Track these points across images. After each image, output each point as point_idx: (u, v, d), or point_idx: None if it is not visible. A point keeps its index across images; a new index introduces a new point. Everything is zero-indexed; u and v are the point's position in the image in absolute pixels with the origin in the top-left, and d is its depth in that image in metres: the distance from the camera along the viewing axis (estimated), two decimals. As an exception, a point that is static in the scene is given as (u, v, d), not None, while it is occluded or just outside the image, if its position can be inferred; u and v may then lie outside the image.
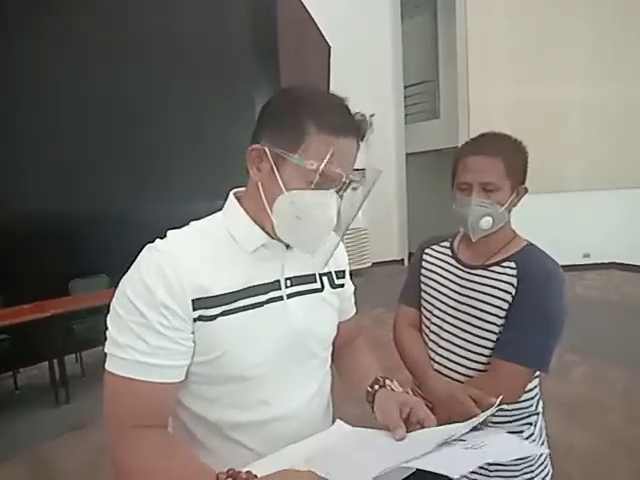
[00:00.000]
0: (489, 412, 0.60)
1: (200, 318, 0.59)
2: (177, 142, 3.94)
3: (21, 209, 3.11)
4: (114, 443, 0.56)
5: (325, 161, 0.56)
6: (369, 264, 6.90)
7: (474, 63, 6.18)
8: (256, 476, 0.47)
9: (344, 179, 0.59)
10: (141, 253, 0.61)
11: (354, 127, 0.60)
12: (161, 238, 0.63)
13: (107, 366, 0.57)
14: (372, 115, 0.62)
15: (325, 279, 0.75)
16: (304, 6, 4.97)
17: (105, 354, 0.58)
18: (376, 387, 0.71)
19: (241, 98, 4.27)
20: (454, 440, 0.55)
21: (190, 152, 4.02)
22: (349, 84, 4.86)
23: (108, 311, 0.60)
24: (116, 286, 0.61)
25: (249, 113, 3.95)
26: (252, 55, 4.47)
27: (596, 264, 6.30)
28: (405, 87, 7.61)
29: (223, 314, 0.60)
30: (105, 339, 0.58)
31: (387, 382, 0.71)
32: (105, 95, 3.39)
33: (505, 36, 6.06)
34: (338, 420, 0.70)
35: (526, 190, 0.90)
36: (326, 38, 5.57)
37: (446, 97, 7.29)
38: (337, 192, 0.60)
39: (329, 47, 5.71)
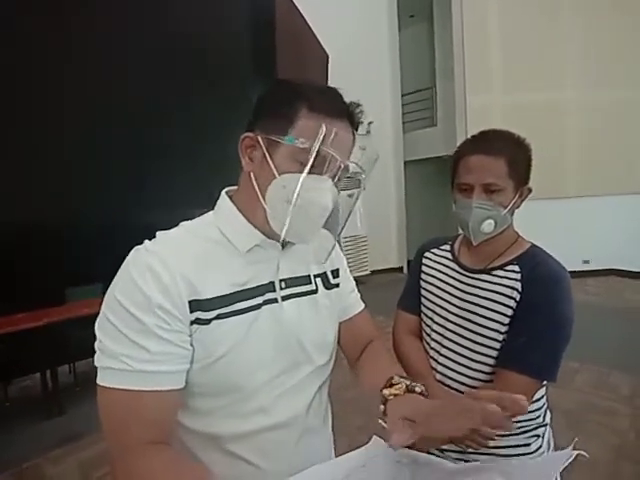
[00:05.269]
0: None
1: (197, 321, 0.56)
2: (174, 152, 3.93)
3: (15, 216, 3.05)
4: (122, 464, 0.51)
5: (318, 141, 0.54)
6: (368, 272, 6.86)
7: (471, 70, 6.22)
8: None
9: (338, 162, 0.57)
10: (129, 255, 0.57)
11: (347, 111, 0.59)
12: (150, 240, 0.60)
13: (101, 381, 0.52)
14: (370, 122, 0.61)
15: (319, 280, 0.72)
16: (302, 16, 5.01)
17: (96, 368, 0.53)
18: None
19: (238, 106, 4.27)
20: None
21: (187, 161, 4.01)
22: (347, 93, 4.81)
23: None
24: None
25: (245, 122, 3.94)
26: (250, 64, 4.48)
27: (596, 270, 6.28)
28: (402, 95, 7.66)
29: (218, 317, 0.57)
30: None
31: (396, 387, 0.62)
32: (101, 98, 3.34)
33: (501, 43, 6.12)
34: (375, 436, 0.63)
35: (530, 190, 0.86)
36: (324, 47, 5.60)
37: (443, 105, 7.34)
38: (332, 179, 0.58)
39: (327, 56, 5.73)
